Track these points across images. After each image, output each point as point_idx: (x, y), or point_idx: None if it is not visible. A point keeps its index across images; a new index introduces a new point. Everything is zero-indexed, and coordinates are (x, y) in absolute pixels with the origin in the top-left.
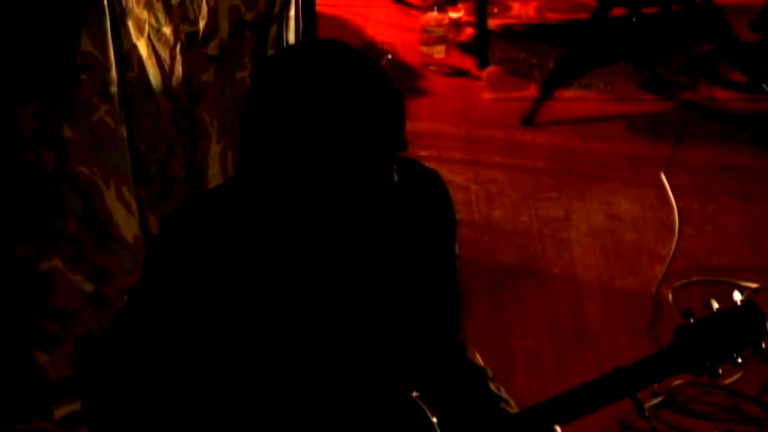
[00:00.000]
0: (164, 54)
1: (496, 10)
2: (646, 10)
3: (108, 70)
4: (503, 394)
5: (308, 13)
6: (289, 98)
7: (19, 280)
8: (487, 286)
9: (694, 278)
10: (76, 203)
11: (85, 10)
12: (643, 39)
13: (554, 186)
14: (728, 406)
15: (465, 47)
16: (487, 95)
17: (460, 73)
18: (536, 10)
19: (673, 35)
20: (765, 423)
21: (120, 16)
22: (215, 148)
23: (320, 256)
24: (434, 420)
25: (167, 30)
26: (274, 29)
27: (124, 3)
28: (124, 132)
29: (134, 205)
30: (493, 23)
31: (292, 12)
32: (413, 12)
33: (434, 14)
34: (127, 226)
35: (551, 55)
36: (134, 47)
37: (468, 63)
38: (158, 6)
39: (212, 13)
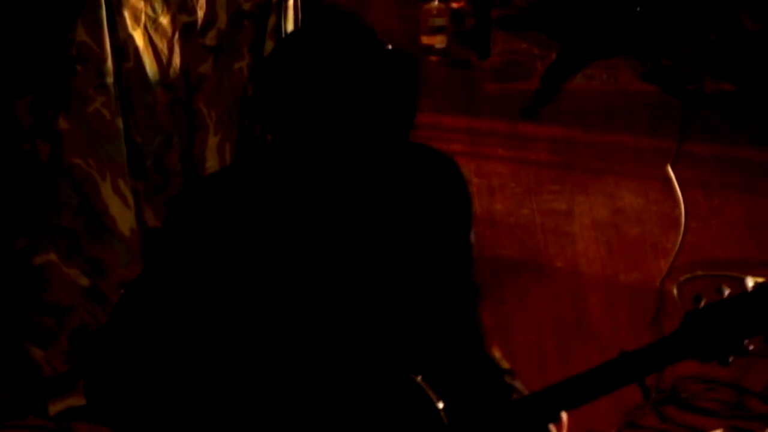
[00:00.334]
0: (161, 44)
1: (498, 1)
2: None
3: (104, 60)
4: (519, 386)
5: (307, 3)
6: (302, 74)
7: (15, 274)
8: (489, 281)
9: (699, 272)
10: (72, 196)
11: (80, 0)
12: (647, 29)
13: (557, 179)
14: (733, 403)
15: (466, 38)
16: (488, 86)
17: (462, 63)
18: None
19: (678, 25)
20: None
21: (116, 5)
22: (213, 140)
23: (332, 235)
24: (440, 405)
25: (164, 20)
26: (272, 19)
27: None
28: (120, 123)
29: (130, 198)
30: (494, 14)
31: (291, 1)
32: (414, 2)
33: (435, 4)
34: (123, 218)
35: (553, 46)
36: (130, 37)
37: (469, 54)
38: None
39: (210, 3)
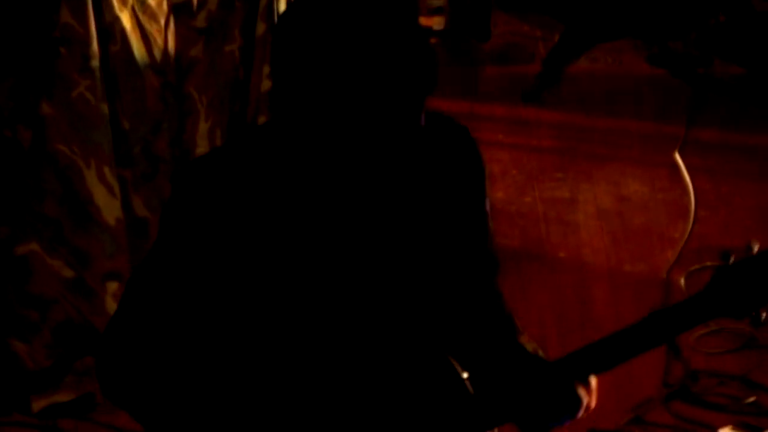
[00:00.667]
0: (150, 27)
1: None
2: None
3: (89, 43)
4: (542, 354)
5: None
6: (316, 38)
7: None
8: None
9: (708, 263)
10: (55, 184)
11: None
12: (653, 10)
13: (560, 166)
14: (743, 398)
15: (466, 19)
16: (489, 70)
17: (461, 46)
18: None
19: (685, 6)
20: None
21: None
22: (203, 126)
23: (348, 204)
24: (465, 375)
25: (153, 2)
26: (263, 0)
27: None
28: (105, 109)
29: (116, 187)
30: None
31: None
32: None
33: None
34: (109, 208)
35: (556, 28)
36: (117, 19)
37: (469, 36)
38: None
39: None
